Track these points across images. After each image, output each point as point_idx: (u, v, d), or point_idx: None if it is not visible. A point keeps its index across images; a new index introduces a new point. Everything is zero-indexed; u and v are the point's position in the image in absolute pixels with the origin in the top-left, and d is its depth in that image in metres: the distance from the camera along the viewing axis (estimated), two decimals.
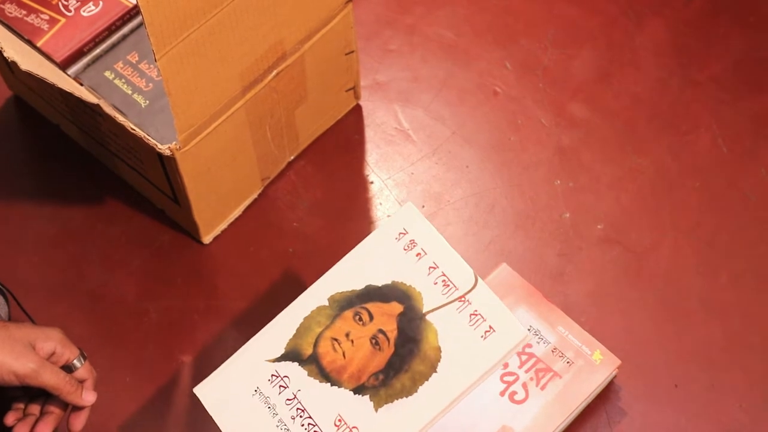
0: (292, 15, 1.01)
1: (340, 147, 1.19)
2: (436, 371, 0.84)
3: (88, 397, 0.91)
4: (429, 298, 0.86)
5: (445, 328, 0.85)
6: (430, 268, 0.87)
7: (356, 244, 1.12)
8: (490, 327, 0.84)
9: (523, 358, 0.98)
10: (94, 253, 1.12)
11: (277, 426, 0.84)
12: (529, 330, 1.00)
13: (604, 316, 1.05)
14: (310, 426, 0.84)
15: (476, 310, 0.85)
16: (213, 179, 1.06)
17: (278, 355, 0.87)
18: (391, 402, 0.84)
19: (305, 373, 0.86)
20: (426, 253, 0.88)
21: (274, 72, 1.03)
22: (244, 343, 1.04)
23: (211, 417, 1.00)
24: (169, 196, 1.08)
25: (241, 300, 1.08)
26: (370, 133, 1.20)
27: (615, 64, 1.24)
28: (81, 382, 0.91)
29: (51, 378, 0.87)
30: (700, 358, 1.02)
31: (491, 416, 0.95)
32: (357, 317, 0.87)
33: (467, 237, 1.11)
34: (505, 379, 0.97)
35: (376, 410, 0.84)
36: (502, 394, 0.96)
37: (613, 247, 1.10)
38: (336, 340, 0.86)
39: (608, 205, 1.13)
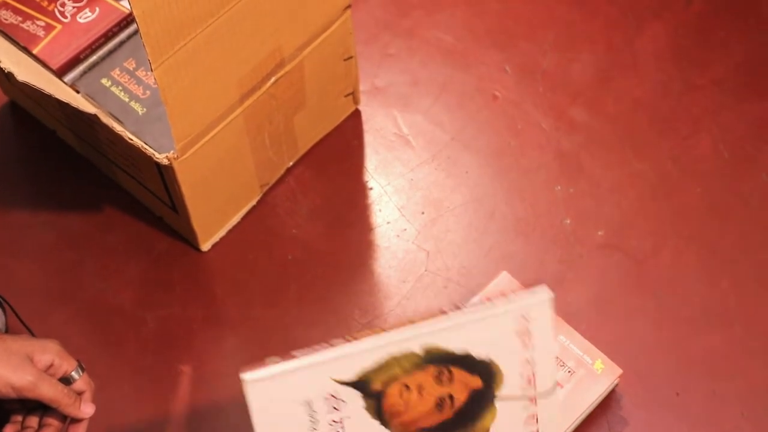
0: (291, 22, 1.00)
1: (339, 153, 1.18)
2: None
3: (87, 409, 0.90)
4: (509, 385, 0.86)
5: (503, 416, 0.86)
6: (527, 360, 0.85)
7: (356, 250, 1.12)
8: (537, 431, 0.87)
9: None
10: (91, 261, 1.11)
11: None
12: None
13: (604, 324, 1.04)
14: None
15: (536, 414, 0.86)
16: (211, 187, 1.05)
17: (347, 380, 0.82)
18: None
19: (363, 404, 0.83)
20: (533, 347, 0.85)
21: (273, 79, 1.03)
22: (244, 351, 1.05)
23: (207, 421, 1.00)
24: (167, 204, 1.08)
25: (240, 307, 1.08)
26: (369, 139, 1.19)
27: (615, 67, 1.24)
28: (79, 393, 0.90)
29: (49, 390, 0.86)
30: (701, 365, 1.02)
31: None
32: (438, 375, 0.84)
33: (467, 243, 1.11)
34: None
35: None
36: None
37: (613, 253, 1.09)
38: (407, 387, 0.84)
39: (609, 210, 1.12)
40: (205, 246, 1.11)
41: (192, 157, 0.99)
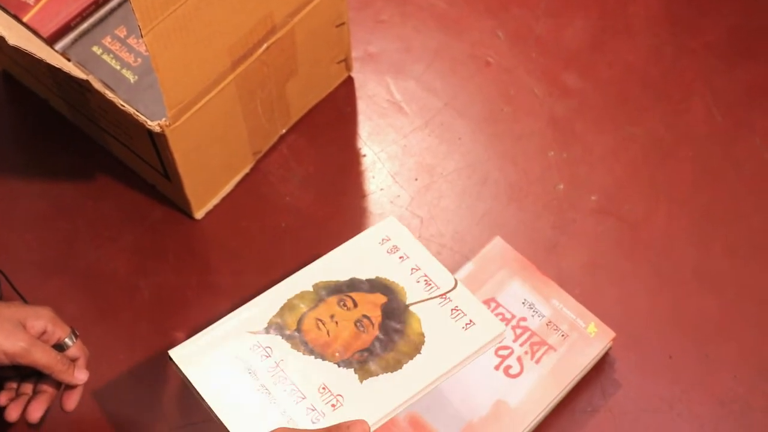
0: None
1: (332, 120, 1.18)
2: (420, 353, 0.87)
3: (81, 376, 0.91)
4: (412, 292, 0.90)
5: (427, 318, 0.89)
6: (412, 269, 0.92)
7: (349, 217, 1.12)
8: (471, 321, 0.88)
9: (518, 331, 0.98)
10: (85, 230, 1.11)
11: (258, 390, 0.84)
12: (523, 303, 1.00)
13: (598, 288, 1.05)
14: (293, 392, 0.84)
15: (457, 306, 0.89)
16: (204, 154, 1.05)
17: (261, 329, 0.88)
18: (376, 376, 0.85)
19: (288, 345, 0.87)
20: (408, 257, 0.92)
21: (264, 46, 1.02)
22: None
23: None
24: (160, 172, 1.07)
25: (233, 275, 1.08)
26: (362, 106, 1.19)
27: (608, 32, 1.23)
28: (73, 360, 0.91)
29: (42, 356, 0.87)
30: (694, 329, 1.02)
31: (486, 390, 0.95)
32: (341, 303, 0.89)
33: (460, 210, 1.11)
34: (500, 353, 0.97)
35: (361, 382, 0.85)
36: (497, 368, 0.96)
37: (606, 218, 1.09)
38: (320, 320, 0.88)
39: (602, 176, 1.12)
40: (199, 214, 1.11)
41: (184, 125, 0.99)
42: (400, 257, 0.93)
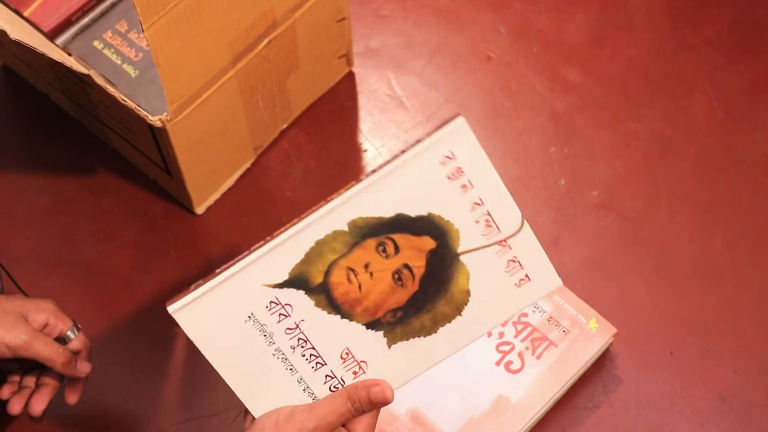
0: None
1: (333, 115, 1.18)
2: (460, 314, 0.75)
3: (83, 368, 0.91)
4: (467, 237, 0.74)
5: (478, 271, 0.75)
6: (474, 204, 0.73)
7: None
8: (527, 276, 0.76)
9: (519, 327, 0.98)
10: (86, 225, 1.11)
11: (274, 355, 0.75)
12: None
13: (599, 284, 1.05)
14: (312, 357, 0.75)
15: (515, 257, 0.75)
16: (205, 150, 1.05)
17: (280, 281, 0.73)
18: (407, 340, 0.76)
19: (312, 302, 0.74)
20: (473, 186, 0.72)
21: (265, 40, 1.02)
22: None
23: (203, 383, 1.00)
24: (161, 167, 1.07)
25: None
26: (363, 101, 1.19)
27: (609, 27, 1.23)
28: (75, 353, 0.91)
29: (44, 349, 0.87)
30: (694, 324, 1.02)
31: (487, 386, 0.95)
32: (381, 248, 0.74)
33: None
34: (501, 348, 0.97)
35: (389, 347, 0.76)
36: (498, 363, 0.97)
37: (608, 213, 1.09)
38: (353, 270, 0.74)
39: (603, 171, 1.12)
40: (200, 209, 1.11)
41: (185, 120, 0.99)
42: (463, 185, 0.72)
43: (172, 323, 1.04)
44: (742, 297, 1.04)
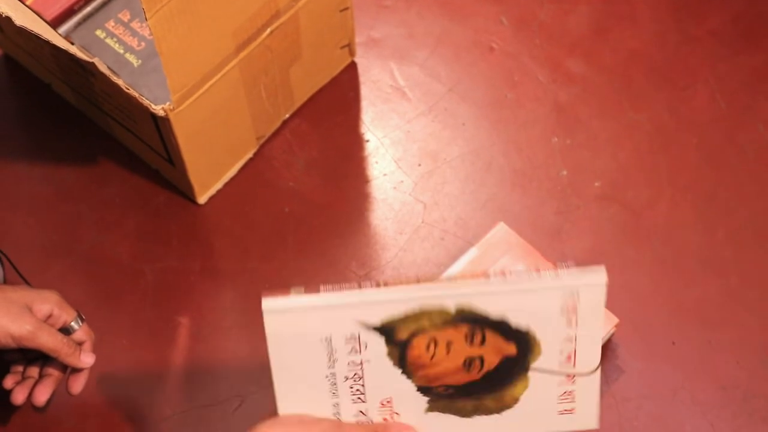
0: None
1: (336, 105, 1.18)
2: (499, 414, 0.81)
3: (87, 359, 0.91)
4: (545, 359, 0.80)
5: (536, 389, 0.81)
6: (569, 338, 0.79)
7: (353, 203, 1.12)
8: (573, 409, 0.82)
9: None
10: (88, 215, 1.11)
11: (327, 377, 0.79)
12: None
13: None
14: (358, 392, 0.80)
15: (572, 391, 0.81)
16: (207, 139, 1.05)
17: (372, 324, 0.78)
18: (444, 413, 0.81)
19: (386, 351, 0.79)
20: (577, 326, 0.79)
21: (268, 30, 1.02)
22: (241, 303, 1.05)
23: (205, 372, 1.00)
24: (164, 157, 1.07)
25: (237, 260, 1.08)
26: (365, 91, 1.19)
27: (612, 18, 1.23)
28: (79, 344, 0.91)
29: (48, 340, 0.87)
30: (697, 315, 1.02)
31: None
32: (470, 336, 0.79)
33: (464, 195, 1.11)
34: None
35: (426, 412, 0.81)
36: None
37: (610, 204, 1.09)
38: (435, 341, 0.79)
39: (606, 162, 1.12)
40: (202, 199, 1.11)
41: (188, 109, 0.99)
42: (569, 321, 0.78)
43: (175, 313, 1.05)
44: (745, 287, 1.04)
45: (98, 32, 1.05)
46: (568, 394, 0.81)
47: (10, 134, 1.18)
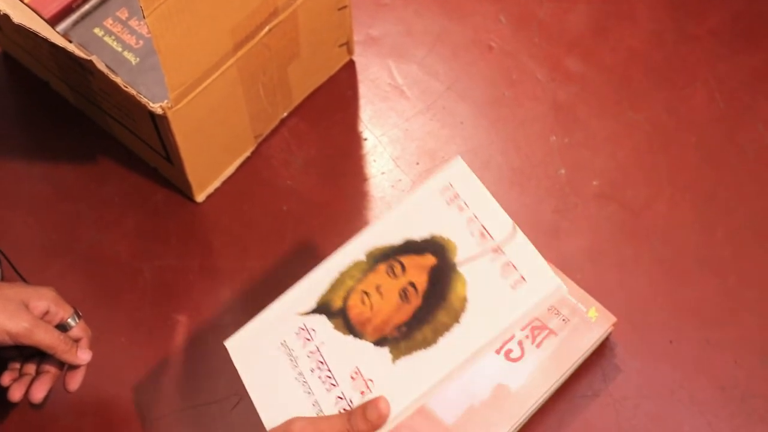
0: None
1: (334, 103, 1.18)
2: (458, 322, 0.79)
3: (84, 356, 0.91)
4: (464, 249, 0.81)
5: (475, 278, 0.80)
6: (469, 219, 0.82)
7: (351, 201, 1.12)
8: (522, 277, 0.78)
9: None
10: (87, 213, 1.11)
11: (296, 379, 0.82)
12: None
13: (599, 273, 1.05)
14: (327, 379, 0.81)
15: (510, 261, 0.79)
16: (205, 137, 1.05)
17: (309, 309, 0.84)
18: (410, 354, 0.80)
19: (332, 326, 0.83)
20: (467, 206, 0.83)
21: (267, 28, 1.02)
22: (239, 301, 1.05)
23: (203, 370, 1.01)
24: (162, 155, 1.07)
25: (235, 258, 1.08)
26: (363, 89, 1.19)
27: (611, 17, 1.23)
28: (76, 340, 0.91)
29: (45, 336, 0.87)
30: (695, 314, 1.02)
31: (487, 374, 0.95)
32: (390, 270, 0.83)
33: None
34: None
35: (394, 362, 0.80)
36: (498, 352, 0.97)
37: (609, 203, 1.09)
38: (366, 293, 0.83)
39: (604, 161, 1.12)
40: (200, 197, 1.11)
41: (186, 107, 0.99)
42: (459, 207, 0.83)
43: (173, 311, 1.05)
44: (743, 287, 1.04)
45: (96, 30, 1.05)
46: (507, 266, 0.79)
47: (8, 133, 1.18)
